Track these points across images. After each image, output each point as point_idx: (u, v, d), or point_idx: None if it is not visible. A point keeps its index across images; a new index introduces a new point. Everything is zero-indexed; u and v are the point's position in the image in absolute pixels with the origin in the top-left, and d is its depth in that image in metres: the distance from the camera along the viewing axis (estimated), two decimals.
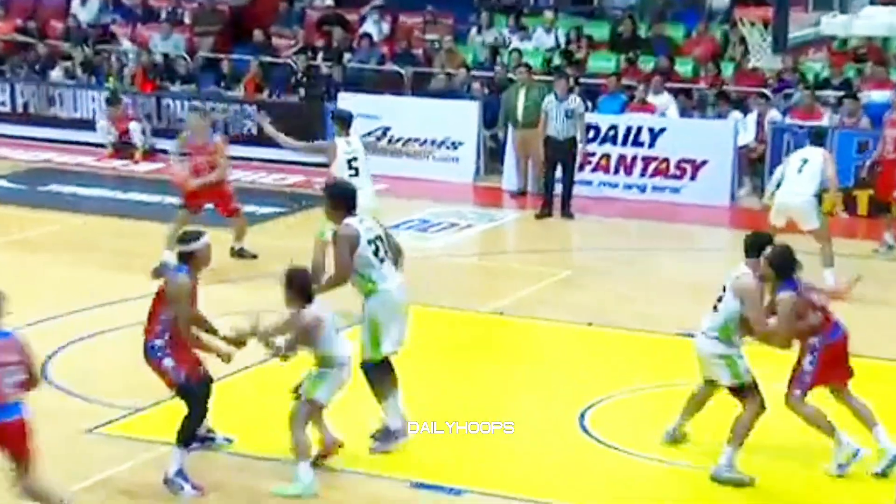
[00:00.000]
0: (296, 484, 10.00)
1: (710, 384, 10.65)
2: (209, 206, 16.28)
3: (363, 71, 23.40)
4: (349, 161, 14.94)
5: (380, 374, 10.65)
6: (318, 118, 21.69)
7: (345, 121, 15.69)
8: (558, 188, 19.13)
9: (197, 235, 10.34)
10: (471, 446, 10.74)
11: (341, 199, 10.78)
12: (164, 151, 21.75)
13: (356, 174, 14.70)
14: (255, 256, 16.41)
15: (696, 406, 10.87)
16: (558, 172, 19.14)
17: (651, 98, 20.75)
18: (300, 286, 10.11)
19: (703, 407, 10.84)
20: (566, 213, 19.02)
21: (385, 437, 10.75)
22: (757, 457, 10.41)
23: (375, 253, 10.55)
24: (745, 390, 10.33)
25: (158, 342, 10.11)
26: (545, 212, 19.06)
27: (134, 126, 22.52)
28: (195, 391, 10.12)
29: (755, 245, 10.47)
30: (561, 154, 18.99)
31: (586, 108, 19.72)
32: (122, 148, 22.49)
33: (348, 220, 10.56)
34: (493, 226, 19.15)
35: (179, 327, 10.05)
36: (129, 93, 23.33)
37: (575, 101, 19.15)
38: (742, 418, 10.28)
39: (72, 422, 11.21)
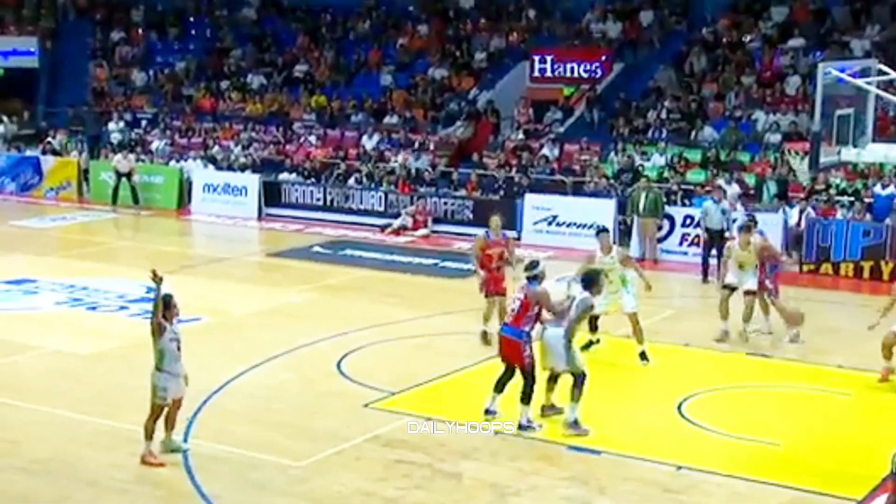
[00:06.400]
0: None
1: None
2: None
3: (541, 179, 23.19)
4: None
5: None
6: (511, 209, 21.47)
7: (606, 232, 13.31)
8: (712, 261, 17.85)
9: (538, 263, 10.65)
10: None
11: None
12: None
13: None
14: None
15: None
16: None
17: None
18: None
19: None
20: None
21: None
22: None
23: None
24: None
25: (526, 328, 10.30)
26: (705, 279, 17.86)
27: (410, 212, 22.48)
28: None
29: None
30: (717, 239, 17.84)
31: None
32: (395, 229, 22.16)
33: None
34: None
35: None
36: (392, 192, 23.24)
37: (726, 204, 18.26)
38: None
39: (355, 399, 11.31)
